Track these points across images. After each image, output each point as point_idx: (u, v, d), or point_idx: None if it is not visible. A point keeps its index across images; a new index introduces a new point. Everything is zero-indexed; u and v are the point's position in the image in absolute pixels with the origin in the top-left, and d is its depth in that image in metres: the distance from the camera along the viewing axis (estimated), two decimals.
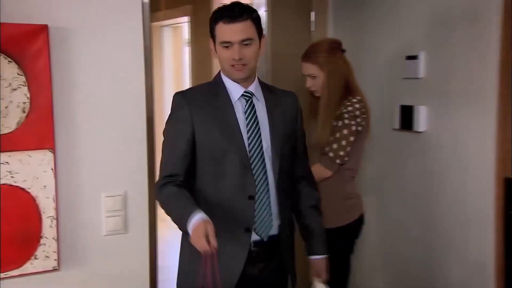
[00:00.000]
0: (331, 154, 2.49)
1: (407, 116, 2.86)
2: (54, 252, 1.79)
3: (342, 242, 2.59)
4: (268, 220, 1.92)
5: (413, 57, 2.82)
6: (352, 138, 2.49)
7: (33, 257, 1.77)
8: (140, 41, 1.90)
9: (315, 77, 2.64)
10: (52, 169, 1.77)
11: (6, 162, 1.72)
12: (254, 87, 1.96)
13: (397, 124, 2.93)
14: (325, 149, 2.50)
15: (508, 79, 2.33)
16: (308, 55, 2.68)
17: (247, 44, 1.84)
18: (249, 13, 1.86)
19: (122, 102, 1.88)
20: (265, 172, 1.91)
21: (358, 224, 2.64)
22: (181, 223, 1.71)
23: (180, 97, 1.87)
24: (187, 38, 5.57)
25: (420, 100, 2.82)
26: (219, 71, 1.96)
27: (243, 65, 1.86)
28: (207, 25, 1.88)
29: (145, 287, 1.95)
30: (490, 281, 2.42)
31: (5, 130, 1.72)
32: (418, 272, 2.91)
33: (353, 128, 2.50)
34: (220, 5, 1.87)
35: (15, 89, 1.72)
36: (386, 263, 3.15)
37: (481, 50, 2.49)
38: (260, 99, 1.97)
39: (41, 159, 1.76)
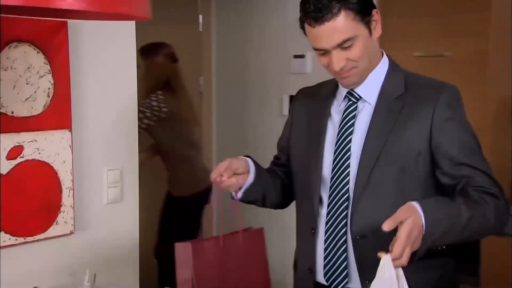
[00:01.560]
0: None
1: None
2: (71, 218, 2.06)
3: (194, 207, 3.39)
4: (341, 265, 1.52)
5: (300, 56, 3.47)
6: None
7: (55, 223, 2.02)
8: (132, 38, 2.23)
9: (139, 67, 3.43)
10: (70, 146, 2.04)
11: (35, 140, 1.96)
12: (366, 86, 1.54)
13: (286, 111, 3.56)
14: None
15: None
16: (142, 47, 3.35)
17: (347, 47, 1.44)
18: (342, 0, 1.40)
19: (119, 91, 2.21)
20: (347, 200, 1.52)
21: (207, 192, 3.36)
22: None
23: (296, 94, 1.78)
24: None
25: None
26: None
27: (352, 68, 1.48)
28: None
29: (135, 247, 2.29)
30: None
31: (34, 112, 1.96)
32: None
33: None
34: None
35: (42, 76, 1.97)
36: None
37: None
38: (374, 103, 1.53)
39: (61, 137, 2.02)
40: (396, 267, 1.26)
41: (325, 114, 1.60)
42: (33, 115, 1.96)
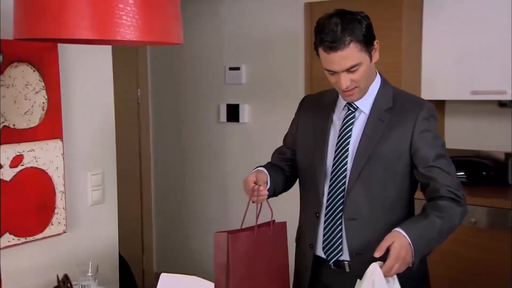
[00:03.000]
0: None
1: (233, 112, 3.87)
2: (64, 219, 2.29)
3: None
4: (336, 242, 1.85)
5: (235, 68, 3.83)
6: None
7: (50, 224, 2.25)
8: (109, 59, 2.49)
9: None
10: (61, 154, 2.27)
11: (33, 150, 2.18)
12: (362, 99, 1.84)
13: (224, 118, 3.91)
14: None
15: (310, 81, 3.52)
16: None
17: (353, 70, 1.73)
18: (353, 34, 1.69)
19: (98, 104, 2.46)
20: (344, 190, 1.83)
21: None
22: None
23: (302, 100, 2.06)
24: None
25: (244, 99, 3.85)
26: None
27: (355, 88, 1.78)
28: None
29: (115, 242, 2.55)
30: None
31: (32, 125, 2.18)
32: None
33: None
34: (323, 15, 1.77)
35: (38, 92, 2.19)
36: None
37: (291, 62, 3.63)
38: (368, 113, 1.85)
39: (54, 146, 2.25)
40: (385, 277, 1.59)
41: (328, 120, 1.91)
42: (30, 127, 2.18)
